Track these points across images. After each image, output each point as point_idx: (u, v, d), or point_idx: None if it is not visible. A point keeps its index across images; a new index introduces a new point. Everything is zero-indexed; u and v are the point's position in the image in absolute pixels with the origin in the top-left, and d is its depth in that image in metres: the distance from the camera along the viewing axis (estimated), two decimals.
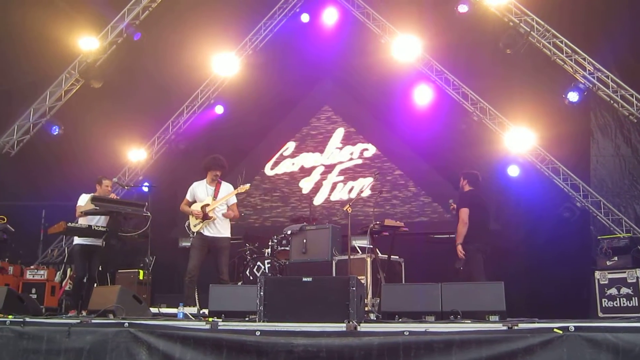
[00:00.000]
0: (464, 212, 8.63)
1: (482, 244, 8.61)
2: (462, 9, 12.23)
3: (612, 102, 11.70)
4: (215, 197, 8.35)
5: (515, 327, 4.52)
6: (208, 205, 8.28)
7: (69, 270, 11.93)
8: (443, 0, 12.73)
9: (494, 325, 4.90)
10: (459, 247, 8.54)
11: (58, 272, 12.16)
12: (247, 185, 8.56)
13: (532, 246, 11.81)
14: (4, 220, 8.73)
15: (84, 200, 8.81)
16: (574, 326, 4.25)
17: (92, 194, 8.70)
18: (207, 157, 8.57)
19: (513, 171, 12.89)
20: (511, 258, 11.55)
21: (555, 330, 4.25)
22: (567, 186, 12.49)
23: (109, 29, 12.87)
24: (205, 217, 8.20)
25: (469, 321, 5.48)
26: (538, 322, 4.88)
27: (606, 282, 9.23)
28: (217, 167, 8.38)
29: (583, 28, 11.66)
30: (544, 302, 10.31)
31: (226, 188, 8.49)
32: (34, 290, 11.25)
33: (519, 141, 12.57)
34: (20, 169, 12.77)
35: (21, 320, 5.16)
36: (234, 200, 8.49)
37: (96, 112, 12.84)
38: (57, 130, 13.31)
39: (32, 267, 12.01)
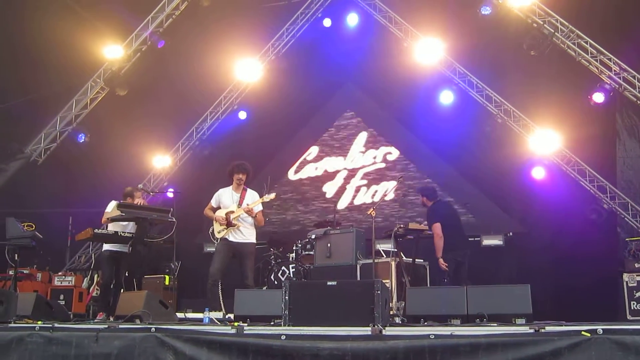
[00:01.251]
0: (437, 227, 8.76)
1: (461, 250, 8.87)
2: (485, 10, 12.15)
3: (638, 102, 11.53)
4: (240, 204, 8.34)
5: (542, 330, 4.48)
6: (232, 212, 8.28)
7: (96, 276, 12.06)
8: (466, 3, 12.66)
9: (521, 329, 4.86)
10: (441, 261, 8.64)
11: (85, 279, 12.30)
12: (273, 195, 8.53)
13: (558, 249, 11.69)
14: (33, 227, 8.83)
15: (112, 206, 8.90)
16: (602, 329, 4.20)
17: (118, 202, 8.78)
18: (232, 163, 8.58)
19: (538, 173, 12.78)
20: (537, 261, 11.46)
21: (583, 333, 4.20)
22: (593, 188, 12.36)
23: (133, 37, 13.01)
24: (229, 224, 8.19)
25: (495, 324, 5.44)
26: (565, 325, 4.83)
27: (634, 284, 9.10)
28: (241, 170, 8.32)
29: (608, 28, 11.52)
30: (571, 304, 10.20)
31: (251, 195, 8.47)
32: (62, 297, 11.38)
33: (544, 143, 12.46)
34: (48, 177, 12.93)
35: (50, 325, 5.22)
36: (259, 208, 8.45)
37: (121, 119, 12.99)
38: (83, 138, 13.48)
39: (60, 273, 12.18)
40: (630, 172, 12.03)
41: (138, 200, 9.22)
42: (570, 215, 11.92)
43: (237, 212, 8.24)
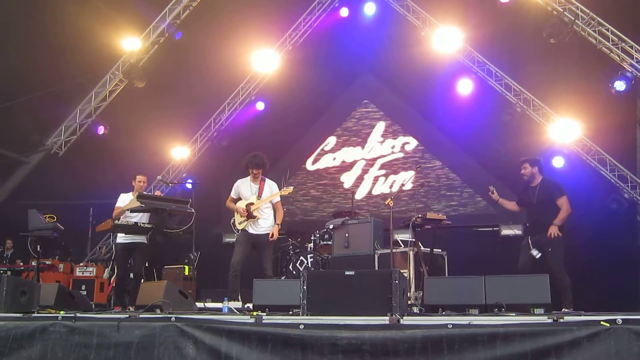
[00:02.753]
0: (567, 201, 8.13)
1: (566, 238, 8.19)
2: None
3: None
4: (259, 195, 8.37)
5: (561, 320, 4.46)
6: (253, 204, 8.32)
7: (116, 267, 12.18)
8: None
9: (539, 318, 4.84)
10: (555, 228, 7.94)
11: (106, 269, 12.43)
12: (291, 188, 8.56)
13: (578, 238, 11.56)
14: (54, 219, 8.93)
15: (122, 199, 8.98)
16: (622, 319, 4.17)
17: (138, 193, 8.87)
18: (247, 155, 8.59)
19: (558, 162, 12.67)
20: None
21: (602, 323, 4.18)
22: (614, 177, 12.24)
23: (150, 29, 13.07)
24: (250, 216, 8.24)
25: (514, 314, 5.43)
26: (584, 315, 4.82)
27: None
28: (255, 165, 8.31)
29: (630, 15, 11.33)
30: (591, 294, 10.11)
31: (270, 186, 8.50)
32: (83, 287, 11.53)
33: (564, 132, 12.35)
34: (68, 169, 13.07)
35: (72, 315, 5.28)
36: (277, 199, 8.50)
37: (140, 111, 13.07)
38: (102, 130, 13.59)
39: (81, 264, 12.32)
40: None
41: (139, 183, 9.22)
42: (591, 205, 11.80)
43: (257, 204, 8.29)
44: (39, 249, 8.62)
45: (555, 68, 12.16)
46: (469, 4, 12.74)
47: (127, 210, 8.73)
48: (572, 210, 8.15)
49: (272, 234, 8.26)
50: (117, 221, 8.42)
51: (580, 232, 11.61)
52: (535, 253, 7.90)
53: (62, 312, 5.71)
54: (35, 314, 5.77)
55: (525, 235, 8.59)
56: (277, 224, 8.38)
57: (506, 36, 12.54)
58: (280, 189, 8.49)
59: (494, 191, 8.50)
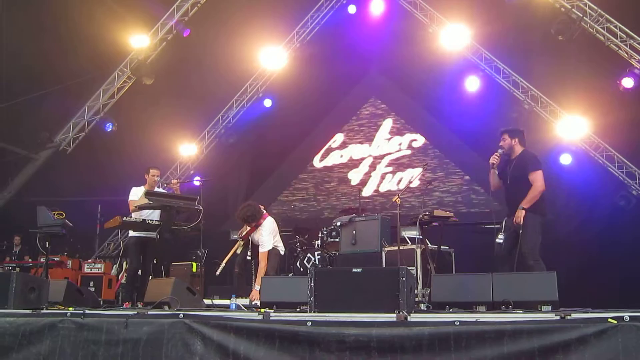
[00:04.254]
0: (540, 175, 7.22)
1: (545, 218, 7.36)
2: None
3: None
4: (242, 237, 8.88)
5: (568, 317, 4.46)
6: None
7: (124, 263, 12.22)
8: None
9: (547, 315, 4.83)
10: (522, 213, 7.06)
11: (114, 266, 12.48)
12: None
13: (586, 235, 11.57)
14: (63, 215, 8.96)
15: (135, 193, 9.01)
16: (629, 316, 4.15)
17: (144, 188, 8.89)
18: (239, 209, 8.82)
19: (565, 159, 12.65)
20: (564, 247, 11.33)
21: (609, 320, 4.17)
22: (622, 174, 12.21)
23: (159, 26, 13.11)
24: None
25: (521, 311, 5.42)
26: (592, 312, 4.80)
27: None
28: (245, 221, 8.69)
29: (638, 12, 11.30)
30: (598, 291, 10.10)
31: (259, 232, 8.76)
32: (91, 284, 11.57)
33: (571, 129, 12.33)
34: (77, 166, 13.13)
35: (81, 312, 5.31)
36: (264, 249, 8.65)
37: (148, 108, 13.13)
38: (110, 127, 13.64)
39: (89, 260, 12.37)
40: None
41: (153, 177, 9.27)
42: (598, 202, 11.79)
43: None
44: (47, 246, 8.65)
45: (563, 65, 12.12)
46: (477, 1, 12.71)
47: (137, 206, 8.76)
48: (580, 207, 7.96)
49: (253, 297, 8.04)
50: (125, 218, 8.45)
51: (587, 228, 11.60)
52: (499, 239, 7.28)
53: (70, 308, 5.74)
54: (44, 311, 5.80)
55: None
56: (256, 289, 8.10)
57: (514, 33, 12.51)
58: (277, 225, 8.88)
59: (498, 157, 7.60)
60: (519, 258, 7.08)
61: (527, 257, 7.03)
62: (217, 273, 9.10)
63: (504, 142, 7.59)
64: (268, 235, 8.56)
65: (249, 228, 8.56)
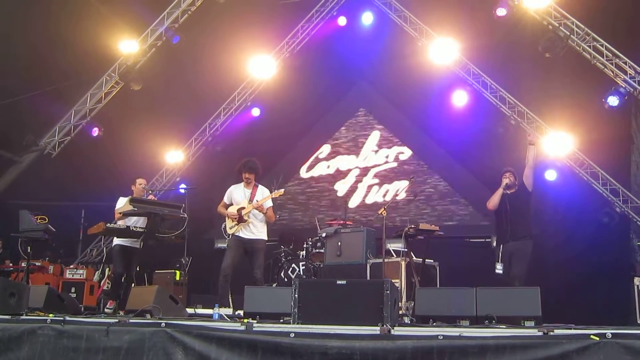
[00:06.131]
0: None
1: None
2: (501, 12, 12.04)
3: None
4: (251, 200, 8.45)
5: (551, 333, 4.47)
6: (244, 208, 8.38)
7: (107, 270, 12.13)
8: (481, 3, 12.58)
9: (530, 331, 4.85)
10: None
11: (97, 272, 12.38)
12: (281, 190, 8.69)
13: (569, 251, 11.64)
14: (45, 220, 8.89)
15: (121, 203, 8.96)
16: (612, 333, 4.18)
17: (130, 197, 8.85)
18: (241, 160, 8.67)
19: (551, 175, 12.73)
20: (548, 263, 11.40)
21: (592, 336, 4.19)
22: (606, 191, 12.30)
23: (148, 32, 13.06)
24: (240, 219, 8.31)
25: (504, 326, 5.44)
26: (574, 329, 4.82)
27: None
28: (247, 169, 8.49)
29: (624, 32, 11.42)
30: (581, 308, 10.15)
31: (262, 192, 8.59)
32: (73, 290, 11.47)
33: (557, 145, 12.40)
34: (61, 170, 13.01)
35: (61, 318, 5.26)
36: (269, 204, 8.55)
37: (135, 114, 13.06)
38: (96, 131, 13.52)
39: (71, 266, 12.26)
40: None
41: (140, 187, 9.25)
42: (583, 218, 11.87)
43: (248, 208, 8.35)
44: (29, 250, 8.57)
45: (550, 82, 12.24)
46: (466, 16, 12.79)
47: (121, 213, 8.70)
48: (564, 223, 8.30)
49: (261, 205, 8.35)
50: (109, 224, 8.39)
51: (571, 245, 11.67)
52: (498, 270, 8.04)
53: (51, 315, 5.69)
54: (24, 317, 5.74)
55: (496, 247, 8.54)
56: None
57: (502, 49, 12.60)
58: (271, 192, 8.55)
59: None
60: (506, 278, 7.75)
61: (515, 279, 7.81)
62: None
63: (509, 181, 8.49)
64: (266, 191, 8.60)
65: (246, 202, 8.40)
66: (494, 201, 8.51)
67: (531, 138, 8.87)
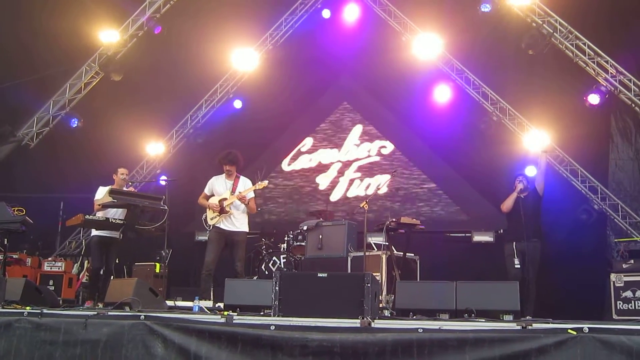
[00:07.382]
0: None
1: None
2: (485, 8, 12.08)
3: (633, 105, 11.52)
4: (233, 191, 8.42)
5: (529, 327, 4.51)
6: (226, 199, 8.35)
7: (86, 262, 12.02)
8: None
9: (508, 325, 4.89)
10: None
11: (75, 264, 12.27)
12: (265, 182, 8.65)
13: (547, 247, 11.67)
14: (23, 212, 8.76)
15: (101, 193, 8.88)
16: (588, 327, 4.24)
17: (110, 187, 8.77)
18: (222, 152, 8.63)
19: (531, 172, 12.78)
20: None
21: (569, 331, 4.24)
22: (585, 188, 12.41)
23: (129, 22, 12.93)
24: (222, 210, 8.28)
25: (483, 320, 5.48)
26: (552, 323, 4.86)
27: (622, 284, 9.15)
28: (228, 161, 8.46)
29: (607, 31, 11.53)
30: (559, 303, 10.24)
31: (244, 183, 8.56)
32: (51, 282, 11.34)
33: (537, 142, 12.47)
34: (40, 161, 12.87)
35: (39, 311, 5.21)
36: (251, 195, 8.53)
37: (115, 105, 12.93)
38: (76, 122, 13.36)
39: (49, 258, 12.11)
40: (621, 174, 12.08)
41: (122, 176, 9.19)
42: (561, 215, 11.95)
43: (230, 199, 8.32)
44: (6, 243, 8.44)
45: (532, 79, 12.31)
46: (450, 11, 12.81)
47: (100, 205, 8.62)
48: (543, 218, 8.59)
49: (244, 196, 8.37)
50: (87, 216, 8.30)
51: (549, 241, 11.73)
52: (517, 264, 8.70)
53: (28, 307, 5.61)
54: (0, 309, 5.66)
55: (507, 244, 9.04)
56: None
57: (485, 45, 12.64)
58: (254, 185, 8.53)
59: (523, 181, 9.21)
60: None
61: (531, 282, 8.51)
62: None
63: (523, 184, 9.18)
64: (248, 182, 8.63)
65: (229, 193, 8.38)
66: (508, 204, 9.11)
67: (544, 146, 9.61)
